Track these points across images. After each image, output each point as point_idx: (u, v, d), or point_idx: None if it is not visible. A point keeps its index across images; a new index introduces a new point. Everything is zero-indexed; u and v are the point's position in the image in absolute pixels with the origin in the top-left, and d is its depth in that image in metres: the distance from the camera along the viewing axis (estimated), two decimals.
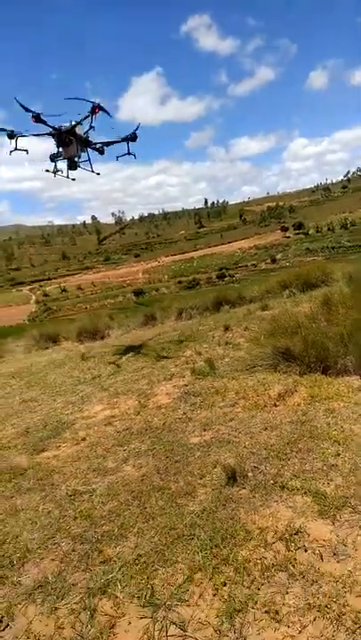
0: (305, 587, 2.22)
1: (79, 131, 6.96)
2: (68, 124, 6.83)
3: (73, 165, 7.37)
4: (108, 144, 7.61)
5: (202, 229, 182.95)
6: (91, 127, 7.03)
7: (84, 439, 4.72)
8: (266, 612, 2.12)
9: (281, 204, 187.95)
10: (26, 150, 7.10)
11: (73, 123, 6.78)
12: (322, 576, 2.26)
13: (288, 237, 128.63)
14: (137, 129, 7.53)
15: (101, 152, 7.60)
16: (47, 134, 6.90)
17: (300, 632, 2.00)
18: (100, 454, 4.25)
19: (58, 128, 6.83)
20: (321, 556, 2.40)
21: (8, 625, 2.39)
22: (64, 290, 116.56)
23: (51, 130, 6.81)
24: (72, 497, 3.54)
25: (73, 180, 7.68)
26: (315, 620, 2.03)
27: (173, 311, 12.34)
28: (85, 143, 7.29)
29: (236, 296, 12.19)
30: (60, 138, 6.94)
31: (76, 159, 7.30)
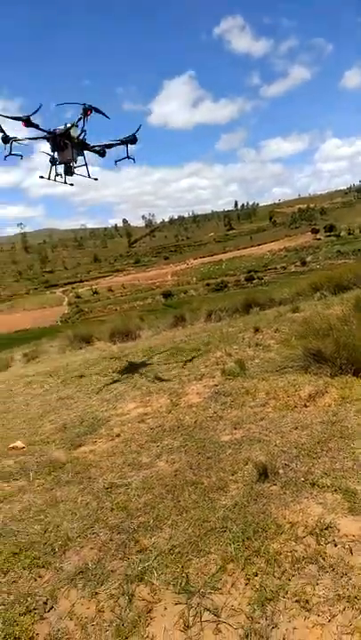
0: (335, 579, 2.30)
1: (74, 134, 6.59)
2: (62, 127, 6.51)
3: (69, 170, 7.01)
4: (106, 147, 7.12)
5: (231, 231, 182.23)
6: (83, 131, 6.64)
7: (118, 435, 4.89)
8: (296, 601, 2.21)
9: (312, 205, 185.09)
10: (20, 155, 6.75)
11: (68, 125, 6.47)
12: (351, 569, 2.33)
13: (319, 240, 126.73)
14: (137, 130, 7.06)
15: (102, 154, 7.11)
16: (42, 138, 6.62)
17: (329, 621, 2.08)
18: (135, 450, 4.40)
19: (52, 131, 6.51)
20: (351, 551, 2.46)
21: (52, 607, 2.55)
22: (95, 292, 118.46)
23: (45, 134, 6.52)
24: (109, 490, 3.70)
25: (71, 185, 7.30)
26: (344, 610, 2.11)
27: (203, 313, 12.42)
28: (82, 146, 6.91)
29: (265, 298, 12.16)
30: (54, 141, 6.63)
31: (72, 164, 6.94)
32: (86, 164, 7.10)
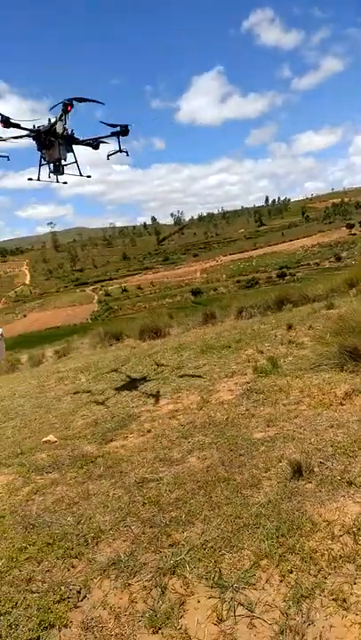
0: None
1: (59, 129, 6.19)
2: (46, 124, 6.15)
3: (58, 169, 6.59)
4: (96, 140, 6.63)
5: (262, 227, 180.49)
6: (64, 129, 6.23)
7: (149, 431, 4.91)
8: (333, 599, 2.16)
9: (346, 200, 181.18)
10: (7, 157, 6.45)
11: (51, 121, 6.11)
12: None
13: (354, 235, 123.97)
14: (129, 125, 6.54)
15: (95, 147, 6.65)
16: (27, 137, 6.24)
17: None
18: (166, 445, 4.40)
19: (36, 129, 6.17)
20: None
21: (86, 596, 2.58)
22: (125, 290, 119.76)
23: (28, 132, 6.19)
24: (140, 484, 3.71)
25: (65, 183, 6.96)
26: None
27: (233, 310, 12.33)
28: (70, 141, 6.50)
29: (298, 295, 11.96)
30: (39, 140, 6.28)
31: (61, 162, 6.54)
32: (77, 161, 6.73)
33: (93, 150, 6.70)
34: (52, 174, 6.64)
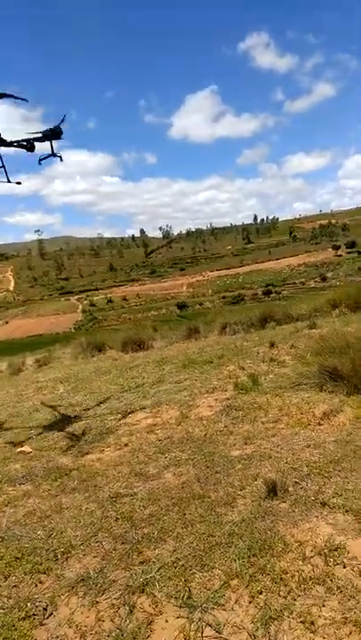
0: (342, 601, 2.22)
1: None
2: None
3: None
4: (27, 141, 5.95)
5: (249, 245, 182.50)
6: None
7: (126, 445, 4.86)
8: (302, 621, 2.14)
9: (334, 221, 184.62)
10: None
11: None
12: (360, 592, 2.26)
13: (340, 256, 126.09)
14: (62, 121, 6.02)
15: (30, 149, 5.97)
16: None
17: None
18: (142, 460, 4.36)
19: None
20: (360, 573, 2.39)
21: (52, 613, 2.52)
22: (110, 300, 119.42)
23: None
24: (114, 499, 3.66)
25: (18, 183, 6.46)
26: (351, 633, 2.04)
27: (217, 325, 12.36)
28: None
29: (282, 313, 12.06)
30: None
31: None
32: (4, 166, 6.19)
33: (28, 152, 6.00)
34: None
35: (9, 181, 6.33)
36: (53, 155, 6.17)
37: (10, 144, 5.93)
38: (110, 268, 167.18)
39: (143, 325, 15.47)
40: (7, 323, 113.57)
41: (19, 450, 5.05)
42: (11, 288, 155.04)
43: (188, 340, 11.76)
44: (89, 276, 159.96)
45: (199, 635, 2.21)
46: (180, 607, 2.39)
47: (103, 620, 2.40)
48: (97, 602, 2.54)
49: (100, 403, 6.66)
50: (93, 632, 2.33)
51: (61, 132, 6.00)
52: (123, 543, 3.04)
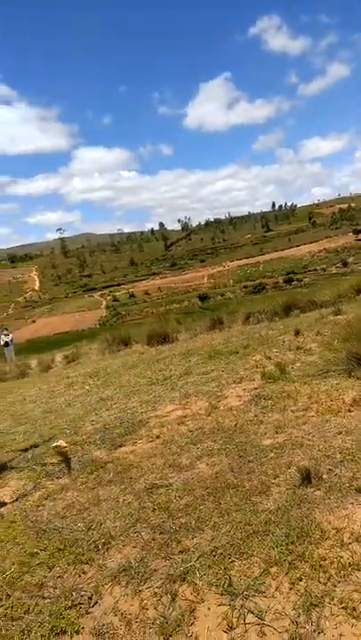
0: None
1: None
2: None
3: None
4: None
5: (269, 233, 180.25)
6: None
7: (158, 437, 4.93)
8: (343, 608, 2.16)
9: (353, 205, 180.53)
10: None
11: None
12: None
13: (360, 240, 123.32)
14: None
15: None
16: None
17: None
18: (175, 451, 4.42)
19: None
20: None
21: (96, 602, 2.60)
22: (132, 295, 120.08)
23: None
24: (150, 490, 3.73)
25: None
26: None
27: (241, 315, 12.35)
28: None
29: (306, 300, 11.95)
30: None
31: None
32: None
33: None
34: None
35: None
36: None
37: None
38: (131, 262, 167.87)
39: (167, 319, 15.56)
40: (34, 321, 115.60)
41: (55, 445, 5.18)
42: (36, 287, 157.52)
43: (212, 332, 11.78)
44: (111, 272, 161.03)
45: (242, 621, 2.25)
46: (222, 595, 2.43)
47: (147, 609, 2.47)
48: (140, 591, 2.61)
49: (130, 396, 6.75)
50: (138, 620, 2.40)
51: None
52: (161, 533, 3.10)
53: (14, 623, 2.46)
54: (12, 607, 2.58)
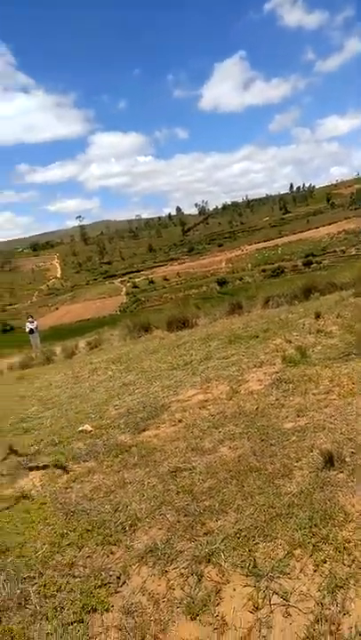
0: None
1: None
2: None
3: None
4: None
5: (287, 215, 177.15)
6: None
7: (180, 421, 4.98)
8: None
9: None
10: None
11: None
12: None
13: None
14: None
15: None
16: None
17: None
18: (197, 435, 4.47)
19: None
20: None
21: (125, 582, 2.68)
22: (151, 281, 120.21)
23: None
24: (174, 473, 3.79)
25: None
26: None
27: (260, 299, 12.27)
28: None
29: (325, 283, 11.79)
30: None
31: None
32: None
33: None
34: None
35: None
36: None
37: None
38: (150, 248, 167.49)
39: (186, 304, 15.57)
40: (57, 309, 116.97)
41: (80, 429, 5.30)
42: (58, 275, 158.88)
43: (231, 316, 11.76)
44: (130, 258, 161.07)
45: (267, 602, 2.30)
46: (247, 576, 2.48)
47: (174, 589, 2.54)
48: (166, 571, 2.68)
49: (151, 381, 6.83)
50: (165, 599, 2.47)
51: None
52: (186, 515, 3.16)
53: (47, 600, 2.56)
54: (44, 585, 2.69)
